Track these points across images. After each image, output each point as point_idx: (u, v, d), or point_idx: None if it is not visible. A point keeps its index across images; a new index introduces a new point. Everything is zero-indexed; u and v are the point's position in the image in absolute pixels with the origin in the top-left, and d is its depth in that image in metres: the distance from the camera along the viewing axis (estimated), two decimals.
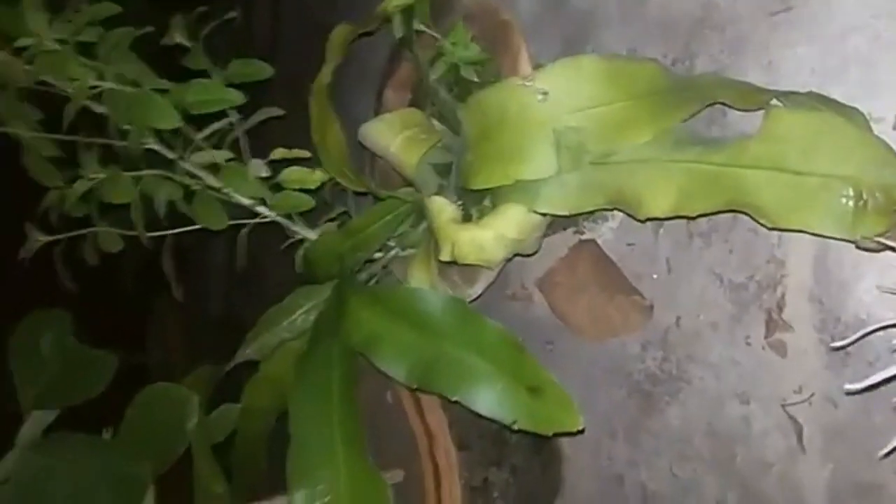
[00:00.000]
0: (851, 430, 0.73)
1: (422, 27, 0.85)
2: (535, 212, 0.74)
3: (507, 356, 0.68)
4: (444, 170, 0.82)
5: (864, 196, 0.56)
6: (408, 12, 0.84)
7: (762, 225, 0.62)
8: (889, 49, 0.68)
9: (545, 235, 1.02)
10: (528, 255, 0.81)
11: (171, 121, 0.81)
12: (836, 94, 0.71)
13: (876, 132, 0.67)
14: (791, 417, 0.78)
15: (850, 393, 0.59)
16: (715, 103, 0.69)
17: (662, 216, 0.66)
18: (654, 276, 0.93)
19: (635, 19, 0.92)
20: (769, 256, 0.79)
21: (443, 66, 0.83)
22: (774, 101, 0.64)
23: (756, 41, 0.79)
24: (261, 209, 0.99)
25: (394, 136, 0.80)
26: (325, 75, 0.90)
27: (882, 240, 0.53)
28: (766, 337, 0.80)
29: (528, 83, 0.69)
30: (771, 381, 0.80)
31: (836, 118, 0.58)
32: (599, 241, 0.98)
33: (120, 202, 0.90)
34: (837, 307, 0.73)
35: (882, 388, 0.67)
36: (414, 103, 0.94)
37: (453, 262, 0.75)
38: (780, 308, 0.78)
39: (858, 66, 0.71)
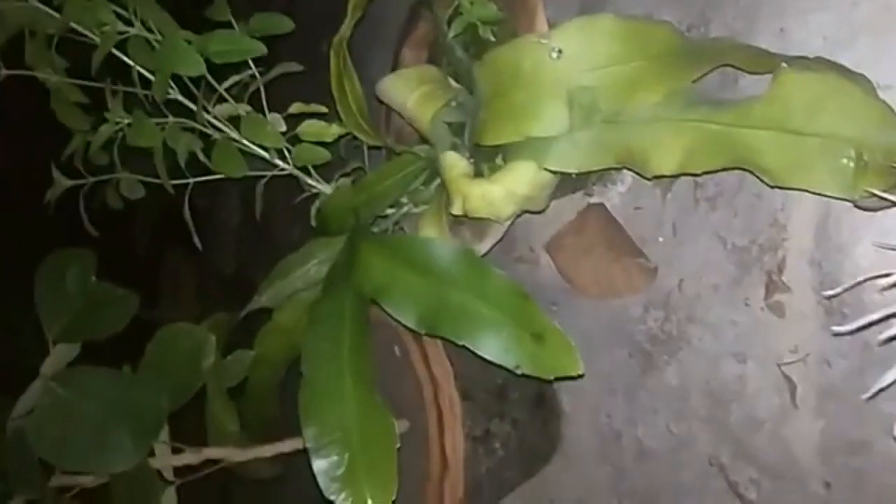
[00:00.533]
0: (844, 389, 0.76)
1: None
2: (546, 169, 0.76)
3: (513, 304, 0.71)
4: (458, 128, 0.84)
5: (865, 157, 0.58)
6: None
7: (765, 183, 0.64)
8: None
9: (555, 198, 1.04)
10: (537, 213, 0.83)
11: (197, 68, 0.83)
12: (845, 62, 0.72)
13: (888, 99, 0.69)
14: (786, 376, 0.80)
15: (837, 334, 0.61)
16: (726, 65, 0.70)
17: (669, 174, 0.68)
18: (660, 240, 0.95)
19: None
20: (772, 220, 0.81)
21: (460, 25, 0.84)
22: (784, 65, 0.65)
23: (770, 8, 0.80)
24: (278, 162, 1.02)
25: (410, 91, 0.82)
26: (346, 30, 0.92)
27: (882, 194, 0.55)
28: (765, 298, 0.82)
29: (543, 41, 0.71)
30: (767, 342, 0.82)
31: (841, 81, 0.60)
32: (608, 205, 1.00)
33: (145, 146, 0.93)
34: (836, 270, 0.75)
35: (876, 350, 0.70)
36: (431, 62, 0.96)
37: (464, 217, 0.77)
38: (780, 270, 0.81)
39: (868, 35, 0.72)
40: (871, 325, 0.55)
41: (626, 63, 0.71)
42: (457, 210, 0.77)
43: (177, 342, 0.85)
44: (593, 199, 1.02)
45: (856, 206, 0.61)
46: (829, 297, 0.56)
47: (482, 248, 0.84)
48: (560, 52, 0.71)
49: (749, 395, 0.84)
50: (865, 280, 0.56)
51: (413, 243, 0.77)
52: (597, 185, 1.00)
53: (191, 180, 1.03)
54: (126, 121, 0.93)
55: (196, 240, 1.05)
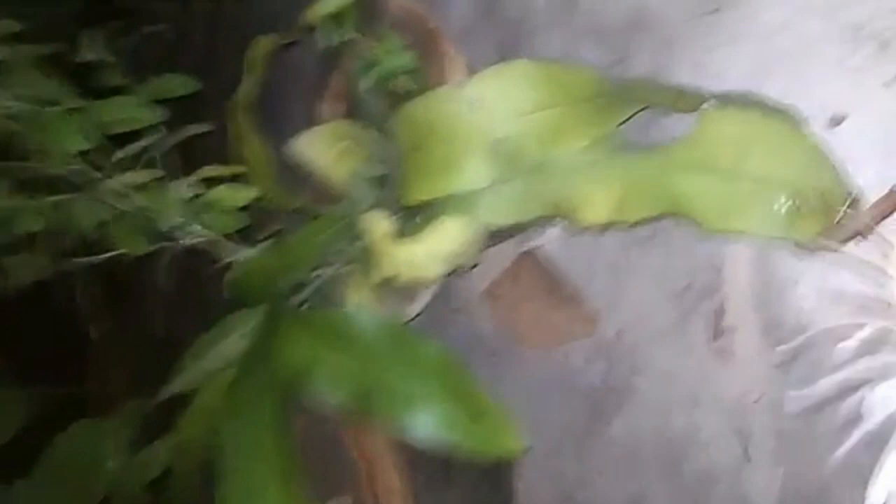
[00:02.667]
0: (799, 435, 0.72)
1: (351, 35, 0.82)
2: (473, 224, 0.71)
3: (447, 378, 0.65)
4: (380, 183, 0.79)
5: (798, 201, 0.55)
6: (335, 21, 0.81)
7: (700, 229, 0.60)
8: (813, 46, 0.68)
9: (489, 246, 1.00)
10: (469, 269, 0.78)
11: (78, 142, 0.76)
12: (768, 95, 0.70)
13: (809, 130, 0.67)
14: (738, 424, 0.77)
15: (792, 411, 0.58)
16: (651, 107, 0.67)
17: (601, 224, 0.64)
18: (599, 284, 0.91)
19: (567, 24, 0.91)
20: (708, 261, 0.78)
21: (374, 76, 0.80)
22: (709, 103, 0.62)
23: (687, 43, 0.78)
24: (191, 229, 0.95)
25: (325, 149, 0.77)
26: (246, 90, 0.86)
27: (822, 240, 0.51)
28: (709, 343, 0.79)
29: (459, 91, 0.67)
30: (716, 389, 0.78)
31: (768, 119, 0.57)
32: (543, 250, 0.96)
33: (28, 231, 0.84)
34: (779, 311, 0.72)
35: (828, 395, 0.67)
36: (349, 114, 0.91)
37: (389, 282, 0.72)
38: (722, 313, 0.77)
39: (788, 65, 0.70)
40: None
41: (547, 109, 0.68)
42: (382, 275, 0.72)
43: (75, 444, 0.76)
44: (529, 245, 0.97)
45: (795, 247, 0.57)
46: (782, 362, 0.52)
47: (414, 309, 0.79)
48: (478, 101, 0.67)
49: (703, 447, 0.80)
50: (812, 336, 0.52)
51: (334, 318, 0.71)
52: (531, 230, 0.95)
53: (93, 259, 0.95)
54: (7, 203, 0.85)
55: (93, 332, 0.96)
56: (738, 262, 0.74)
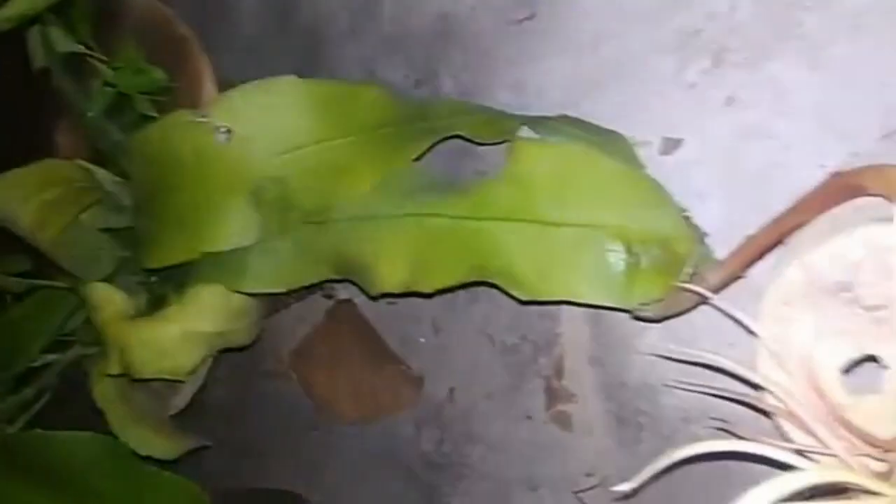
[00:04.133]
0: None
1: (73, 47, 0.62)
2: (241, 292, 0.54)
3: None
4: (124, 239, 0.61)
5: (636, 250, 0.43)
6: (49, 27, 0.61)
7: (514, 298, 0.47)
8: (643, 59, 0.57)
9: (291, 303, 0.84)
10: (242, 348, 0.61)
11: None
12: (593, 115, 0.59)
13: (642, 159, 0.56)
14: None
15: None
16: (452, 136, 0.54)
17: (397, 291, 0.49)
18: (422, 340, 0.77)
19: (371, 34, 0.77)
20: (541, 311, 0.65)
21: (105, 99, 0.61)
22: (522, 131, 0.49)
23: (502, 56, 0.66)
24: None
25: (24, 201, 0.56)
26: None
27: (668, 305, 0.39)
28: (547, 409, 0.67)
29: (201, 118, 0.50)
30: (559, 462, 0.67)
31: (589, 150, 0.45)
32: (357, 301, 0.81)
33: None
34: (620, 369, 0.61)
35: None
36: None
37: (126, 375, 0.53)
38: (560, 373, 0.65)
39: (615, 80, 0.59)
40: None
41: (322, 142, 0.52)
42: (114, 368, 0.53)
43: None
44: (339, 297, 0.82)
45: (634, 318, 0.45)
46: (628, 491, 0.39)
47: (181, 401, 0.60)
48: (229, 132, 0.51)
49: None
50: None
51: (39, 444, 0.51)
52: (336, 283, 0.80)
53: None
54: None
55: None
56: (576, 312, 0.63)
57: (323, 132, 0.52)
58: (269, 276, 0.54)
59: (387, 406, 0.81)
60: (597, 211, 0.45)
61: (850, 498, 0.27)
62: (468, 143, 0.63)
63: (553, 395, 0.66)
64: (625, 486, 0.26)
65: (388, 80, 0.75)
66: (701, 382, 0.45)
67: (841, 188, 0.32)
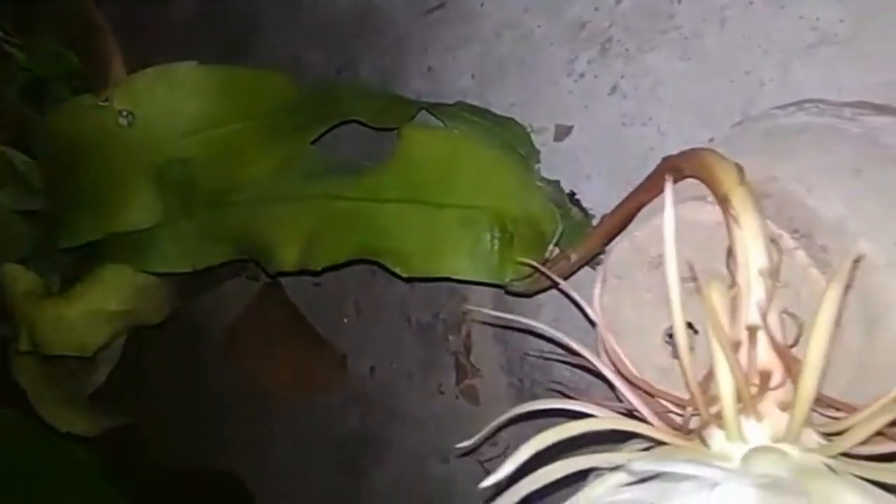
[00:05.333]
0: None
1: None
2: (147, 271, 0.56)
3: None
4: (38, 221, 0.62)
5: (510, 228, 0.46)
6: None
7: (397, 276, 0.49)
8: (539, 49, 0.60)
9: (220, 280, 0.86)
10: (153, 326, 0.63)
11: None
12: (496, 102, 0.62)
13: (538, 144, 0.59)
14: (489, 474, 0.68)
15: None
16: (352, 121, 0.56)
17: (292, 270, 0.51)
18: (345, 320, 0.80)
19: (296, 23, 0.79)
20: (451, 290, 0.68)
21: (20, 85, 0.62)
22: (410, 121, 0.52)
23: (415, 44, 0.68)
24: None
25: None
26: None
27: (538, 266, 0.42)
28: (457, 383, 0.69)
29: (102, 102, 0.52)
30: (467, 434, 0.69)
31: (471, 137, 0.48)
32: (283, 283, 0.83)
33: None
34: (520, 345, 0.64)
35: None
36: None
37: (34, 352, 0.55)
38: (468, 350, 0.68)
39: (516, 69, 0.62)
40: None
41: (223, 126, 0.54)
42: (24, 345, 0.55)
43: None
44: (265, 278, 0.84)
45: (507, 293, 0.48)
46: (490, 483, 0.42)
47: (97, 380, 0.62)
48: (131, 115, 0.52)
49: (458, 498, 0.71)
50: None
51: None
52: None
53: None
54: None
55: None
56: (483, 290, 0.66)
57: (224, 116, 0.54)
58: (173, 257, 0.56)
59: (315, 385, 0.83)
60: (477, 194, 0.47)
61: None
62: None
63: (462, 371, 0.69)
64: (490, 480, 0.28)
65: (312, 66, 0.77)
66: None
67: (668, 170, 0.35)
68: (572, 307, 0.57)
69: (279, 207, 0.52)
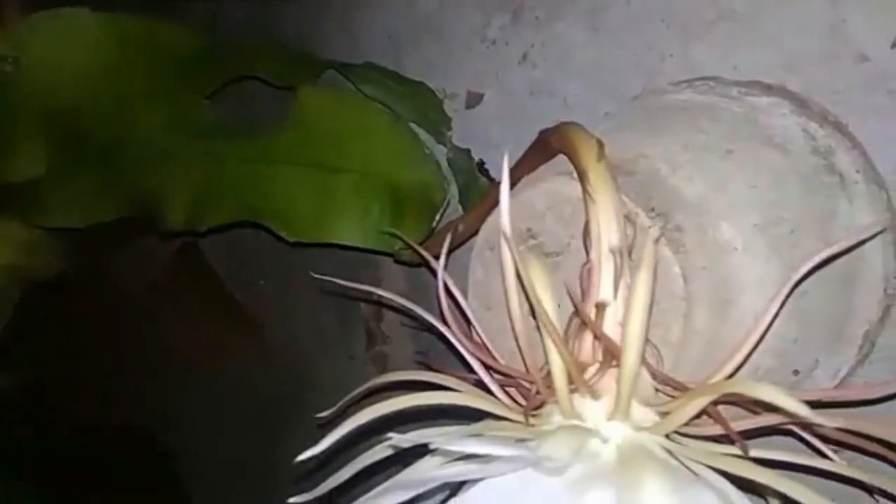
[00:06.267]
0: None
1: None
2: (38, 226, 0.54)
3: None
4: None
5: (399, 197, 0.45)
6: None
7: (284, 241, 0.48)
8: (454, 12, 0.58)
9: (127, 237, 0.83)
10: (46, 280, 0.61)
11: None
12: (411, 65, 0.60)
13: (450, 110, 0.58)
14: (395, 448, 0.68)
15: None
16: (252, 77, 0.54)
17: (179, 230, 0.50)
18: (262, 283, 0.78)
19: None
20: (365, 260, 0.67)
21: None
22: (329, 79, 0.50)
23: (336, 4, 0.66)
24: None
25: None
26: None
27: (420, 249, 0.41)
28: (367, 350, 0.69)
29: None
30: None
31: (365, 104, 0.46)
32: (200, 244, 0.81)
33: None
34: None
35: None
36: None
37: None
38: (379, 318, 0.68)
39: (430, 33, 0.60)
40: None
41: (116, 76, 0.51)
42: None
43: None
44: (184, 238, 0.82)
45: (395, 262, 0.47)
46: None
47: None
48: (15, 61, 0.50)
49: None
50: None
51: None
52: None
53: None
54: None
55: None
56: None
57: (116, 66, 0.52)
58: (63, 212, 0.54)
59: (229, 350, 0.82)
60: (368, 160, 0.46)
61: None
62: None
63: (372, 338, 0.69)
64: (307, 454, 0.27)
65: (230, 22, 0.75)
66: None
67: (541, 145, 0.35)
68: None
69: (169, 164, 0.51)
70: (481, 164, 0.57)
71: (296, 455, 0.81)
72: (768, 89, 0.40)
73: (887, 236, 0.38)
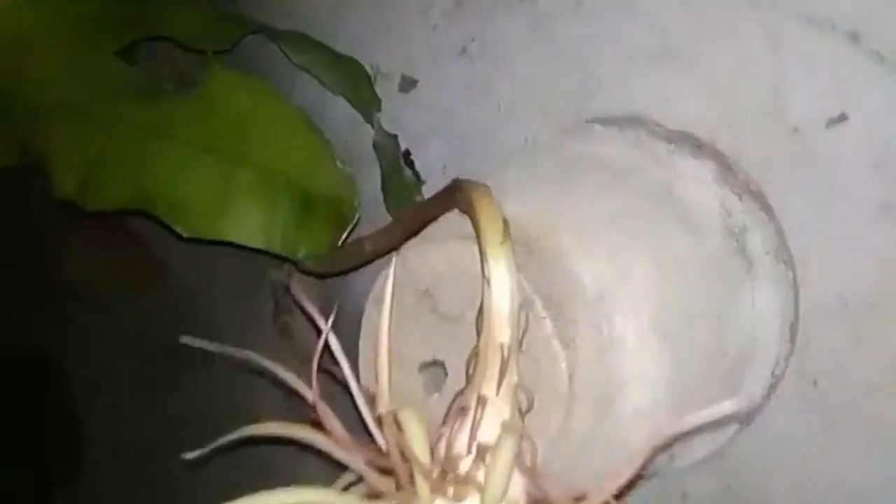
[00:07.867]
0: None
1: None
2: None
3: None
4: None
5: (308, 204, 0.42)
6: None
7: (177, 235, 0.45)
8: None
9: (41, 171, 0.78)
10: None
11: None
12: (342, 39, 0.56)
13: (381, 91, 0.55)
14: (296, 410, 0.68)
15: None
16: (163, 37, 0.49)
17: (71, 200, 0.46)
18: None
19: None
20: None
21: None
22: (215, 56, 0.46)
23: None
24: None
25: None
26: None
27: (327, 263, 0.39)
28: (273, 320, 0.67)
29: None
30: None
31: (274, 96, 0.43)
32: None
33: None
34: (341, 289, 0.62)
35: None
36: None
37: None
38: (287, 288, 0.66)
39: (370, 8, 0.56)
40: None
41: (18, 27, 0.46)
42: None
43: None
44: None
45: (299, 270, 0.45)
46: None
47: None
48: None
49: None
50: None
51: None
52: None
53: None
54: None
55: None
56: None
57: (20, 16, 0.46)
58: None
59: (137, 284, 0.80)
60: (278, 158, 0.43)
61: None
62: None
63: (279, 307, 0.67)
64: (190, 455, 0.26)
65: None
66: None
67: (451, 194, 0.33)
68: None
69: (67, 125, 0.46)
70: (407, 153, 0.55)
71: (193, 406, 0.79)
72: (698, 149, 0.39)
73: (787, 318, 0.38)
